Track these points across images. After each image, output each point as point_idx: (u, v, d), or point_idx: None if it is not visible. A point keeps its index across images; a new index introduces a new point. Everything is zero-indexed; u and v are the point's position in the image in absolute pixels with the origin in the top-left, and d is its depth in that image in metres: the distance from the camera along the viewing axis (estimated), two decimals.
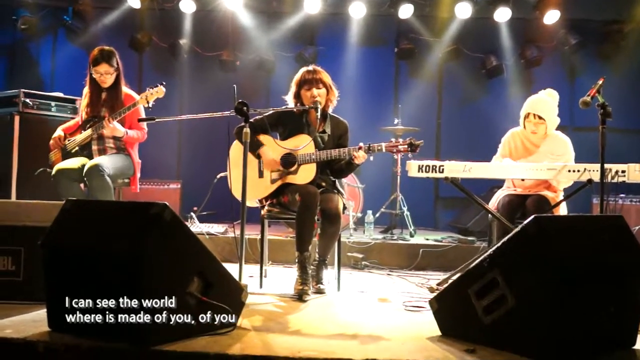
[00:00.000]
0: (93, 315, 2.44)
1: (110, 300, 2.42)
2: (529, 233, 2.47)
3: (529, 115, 4.41)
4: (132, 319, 2.37)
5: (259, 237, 4.27)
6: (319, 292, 3.86)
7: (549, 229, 2.47)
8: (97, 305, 2.44)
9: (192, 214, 5.89)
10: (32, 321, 2.74)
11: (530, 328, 2.42)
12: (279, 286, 4.06)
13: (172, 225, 2.50)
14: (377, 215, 6.30)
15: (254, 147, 3.94)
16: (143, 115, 4.60)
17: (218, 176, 5.19)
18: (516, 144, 4.57)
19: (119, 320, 2.39)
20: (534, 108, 4.41)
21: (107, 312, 2.42)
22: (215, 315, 2.59)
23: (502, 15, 7.07)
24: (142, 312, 2.36)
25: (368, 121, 6.80)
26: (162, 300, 2.41)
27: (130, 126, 4.66)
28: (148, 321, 2.36)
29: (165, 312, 2.42)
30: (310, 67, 4.08)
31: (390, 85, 7.97)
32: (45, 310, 2.65)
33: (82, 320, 2.43)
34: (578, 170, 4.02)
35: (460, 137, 7.55)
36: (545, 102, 4.42)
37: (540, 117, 4.36)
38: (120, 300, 2.40)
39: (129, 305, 2.38)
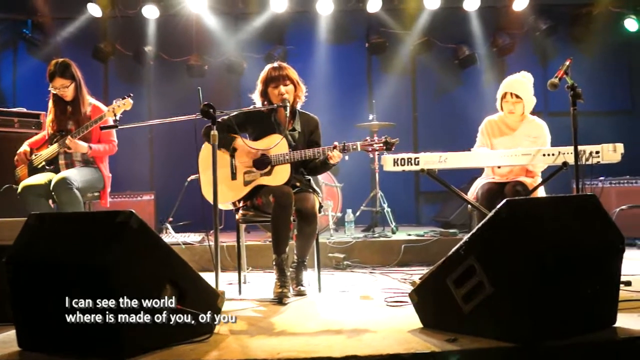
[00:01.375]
0: (62, 331, 2.43)
1: (79, 314, 2.41)
2: (501, 217, 2.50)
3: (506, 95, 4.51)
4: (103, 333, 2.36)
5: (236, 243, 4.26)
6: (300, 294, 3.87)
7: (520, 212, 2.50)
8: (67, 320, 2.43)
9: (167, 224, 5.87)
10: (2, 342, 2.71)
11: (508, 313, 2.44)
12: (258, 291, 4.06)
13: (140, 233, 2.49)
14: (358, 213, 6.32)
15: (227, 143, 3.94)
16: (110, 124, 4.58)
17: (189, 179, 5.18)
18: (493, 130, 4.64)
19: (89, 335, 2.38)
20: (510, 87, 4.51)
21: (76, 327, 2.41)
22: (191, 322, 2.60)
23: (472, 4, 7.15)
24: (112, 325, 2.35)
25: (342, 119, 6.84)
26: (133, 311, 2.41)
27: (99, 139, 4.64)
28: (120, 333, 2.36)
29: (138, 322, 2.42)
30: (276, 64, 4.08)
31: (363, 81, 8.01)
32: (14, 330, 2.62)
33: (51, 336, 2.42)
34: (552, 154, 4.08)
35: (438, 129, 7.61)
36: (521, 81, 4.53)
37: (517, 96, 4.46)
38: (89, 314, 2.39)
39: (99, 319, 2.37)
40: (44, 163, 4.62)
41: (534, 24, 7.48)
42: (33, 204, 4.37)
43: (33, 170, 4.61)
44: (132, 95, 4.58)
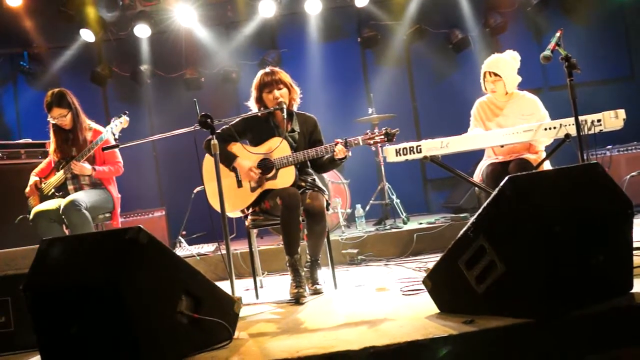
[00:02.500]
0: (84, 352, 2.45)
1: (101, 334, 2.44)
2: (505, 195, 2.49)
3: (486, 75, 4.54)
4: (124, 350, 2.39)
5: (248, 249, 4.27)
6: (316, 292, 3.87)
7: (524, 188, 2.49)
8: (88, 341, 2.45)
9: (180, 238, 5.90)
10: None
11: (522, 289, 2.44)
12: (275, 294, 4.08)
13: (150, 248, 2.51)
14: (367, 208, 6.34)
15: (228, 162, 3.97)
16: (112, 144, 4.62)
17: (195, 191, 5.21)
18: (486, 112, 4.65)
19: (111, 352, 2.40)
20: (488, 66, 4.54)
21: (97, 346, 2.44)
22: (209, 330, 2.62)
23: None
24: (132, 341, 2.38)
25: (342, 115, 6.85)
26: (152, 325, 2.44)
27: (102, 162, 4.68)
28: (139, 348, 2.38)
29: (156, 335, 2.44)
30: (268, 69, 4.10)
31: (359, 76, 8.01)
32: (39, 356, 2.65)
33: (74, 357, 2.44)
34: (554, 127, 4.07)
35: (439, 116, 7.59)
36: (500, 59, 4.53)
37: (495, 75, 4.47)
38: (111, 332, 2.41)
39: (119, 336, 2.40)
40: (53, 190, 4.67)
41: (524, 0, 7.46)
42: (46, 229, 4.42)
43: (44, 198, 4.67)
44: (127, 112, 4.63)
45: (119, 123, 4.56)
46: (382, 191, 6.33)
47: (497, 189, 2.55)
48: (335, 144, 3.85)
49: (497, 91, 4.52)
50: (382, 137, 3.86)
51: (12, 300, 3.15)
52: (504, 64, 4.50)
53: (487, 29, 7.67)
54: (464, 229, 2.67)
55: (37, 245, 2.81)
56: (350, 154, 3.94)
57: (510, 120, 4.47)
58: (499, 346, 2.40)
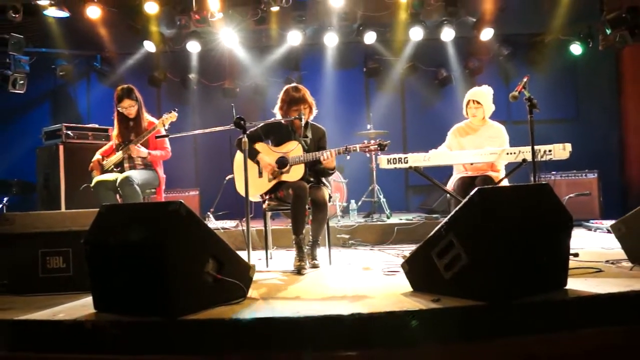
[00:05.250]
0: (128, 296, 2.45)
1: (142, 283, 2.44)
2: (474, 202, 2.49)
3: (469, 102, 4.57)
4: (159, 297, 2.38)
5: (263, 227, 4.27)
6: (314, 266, 3.86)
7: (489, 198, 2.49)
8: (131, 287, 2.45)
9: (209, 213, 5.89)
10: (81, 306, 2.74)
11: (481, 278, 2.43)
12: (282, 264, 4.06)
13: (188, 218, 2.50)
14: (359, 203, 6.32)
15: (252, 156, 3.95)
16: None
17: (227, 178, 5.19)
18: (460, 131, 4.69)
19: (149, 298, 2.40)
20: (472, 96, 4.61)
21: (139, 293, 2.43)
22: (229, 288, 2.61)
23: (448, 35, 7.08)
24: (166, 290, 2.37)
25: (346, 128, 6.82)
26: (184, 280, 2.43)
27: (155, 147, 4.68)
28: (173, 297, 2.37)
29: (186, 288, 2.44)
30: (294, 85, 4.09)
31: (362, 98, 7.97)
32: (91, 296, 2.65)
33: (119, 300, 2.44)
34: (514, 153, 4.06)
35: (422, 136, 7.44)
36: (480, 91, 4.62)
37: (478, 102, 4.51)
38: (150, 283, 2.41)
39: (158, 286, 2.39)
40: (112, 166, 4.66)
41: (497, 50, 7.43)
42: (103, 196, 4.41)
43: (104, 172, 4.65)
44: (177, 109, 4.62)
45: (169, 117, 4.54)
46: (372, 191, 6.32)
47: (467, 197, 2.54)
48: (337, 152, 3.88)
49: (477, 116, 4.56)
50: (376, 146, 3.85)
51: (73, 250, 3.15)
52: (484, 95, 4.55)
53: (466, 70, 7.65)
54: (438, 226, 2.65)
55: (97, 209, 2.81)
56: (348, 157, 3.94)
57: (480, 139, 4.51)
58: (459, 321, 2.39)
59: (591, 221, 5.83)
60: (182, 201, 2.50)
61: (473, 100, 4.55)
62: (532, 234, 2.53)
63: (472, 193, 2.51)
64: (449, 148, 4.65)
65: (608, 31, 6.50)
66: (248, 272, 2.85)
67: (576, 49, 7.22)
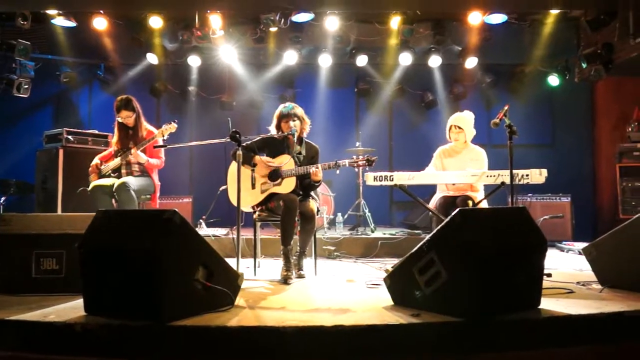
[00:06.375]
0: (119, 300, 2.40)
1: (133, 288, 2.39)
2: (455, 222, 2.48)
3: (452, 127, 4.58)
4: (151, 302, 2.33)
5: (253, 236, 4.23)
6: (300, 276, 3.83)
7: (470, 219, 2.48)
8: (123, 292, 2.40)
9: (201, 221, 5.83)
10: (72, 308, 2.68)
11: (459, 295, 2.42)
12: (269, 273, 4.02)
13: (181, 227, 2.47)
14: (345, 216, 6.30)
15: (248, 161, 3.92)
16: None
17: (220, 189, 5.14)
18: (444, 153, 4.71)
19: (140, 303, 2.35)
20: (454, 121, 4.63)
21: (130, 298, 2.38)
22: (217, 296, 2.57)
23: (435, 61, 7.14)
24: (157, 296, 2.32)
25: (336, 144, 6.81)
26: (175, 286, 2.39)
27: (151, 155, 4.63)
28: (163, 303, 2.33)
29: (176, 294, 2.39)
30: (288, 104, 4.08)
31: (352, 117, 7.97)
32: (82, 299, 2.59)
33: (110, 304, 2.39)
34: (494, 175, 4.07)
35: (407, 155, 7.51)
36: (462, 116, 4.64)
37: (459, 127, 4.53)
38: (141, 288, 2.36)
39: (149, 291, 2.34)
40: (110, 172, 4.60)
41: (481, 78, 7.49)
42: (99, 200, 4.35)
43: (102, 177, 4.60)
44: (176, 121, 4.58)
45: (169, 128, 4.50)
46: (358, 205, 6.29)
47: (449, 217, 2.53)
48: (328, 166, 3.84)
49: (459, 140, 4.59)
50: (364, 162, 3.85)
51: (67, 253, 3.09)
52: (465, 121, 4.57)
53: (451, 95, 7.68)
54: (420, 243, 2.64)
55: (93, 213, 2.76)
56: (338, 172, 3.93)
57: (462, 161, 4.54)
58: (437, 336, 2.37)
59: (564, 242, 5.86)
60: (177, 210, 2.46)
61: (455, 126, 4.58)
62: (509, 255, 2.52)
63: (453, 213, 2.50)
64: (434, 167, 4.67)
65: (584, 65, 6.60)
66: (236, 281, 2.81)
67: (554, 80, 7.31)
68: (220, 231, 5.58)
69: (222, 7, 6.10)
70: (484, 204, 4.38)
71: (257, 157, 3.96)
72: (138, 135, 4.60)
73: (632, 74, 6.65)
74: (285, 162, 3.91)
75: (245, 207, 4.06)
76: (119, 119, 4.56)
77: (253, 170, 3.94)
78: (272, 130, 4.08)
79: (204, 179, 7.37)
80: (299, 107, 4.07)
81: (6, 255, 3.12)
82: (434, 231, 2.61)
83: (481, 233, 2.45)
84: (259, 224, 4.16)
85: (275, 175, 3.94)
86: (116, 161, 4.59)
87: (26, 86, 6.50)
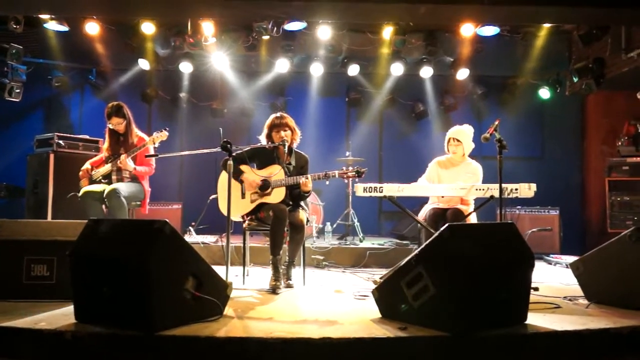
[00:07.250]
0: (109, 309, 2.41)
1: (123, 296, 2.40)
2: (444, 237, 2.52)
3: (450, 140, 4.63)
4: (140, 311, 2.35)
5: (242, 244, 4.25)
6: (289, 286, 3.85)
7: (458, 234, 2.53)
8: (113, 301, 2.42)
9: (190, 228, 5.83)
10: (62, 315, 2.69)
11: (446, 310, 2.45)
12: (258, 282, 4.04)
13: (171, 237, 2.50)
14: (334, 226, 6.33)
15: (236, 175, 3.95)
16: (152, 153, 4.59)
17: (210, 197, 5.17)
18: (441, 165, 4.76)
19: (129, 312, 2.37)
20: (454, 134, 4.66)
21: (120, 306, 2.40)
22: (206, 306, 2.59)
23: (426, 72, 7.22)
24: (147, 305, 2.34)
25: (326, 154, 6.85)
26: (164, 296, 2.41)
27: (141, 162, 4.64)
28: (153, 312, 2.35)
29: (166, 304, 2.41)
30: (278, 114, 4.10)
31: (342, 126, 8.01)
32: (72, 306, 2.61)
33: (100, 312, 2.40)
34: (483, 189, 4.13)
35: (397, 165, 7.57)
36: (461, 130, 4.67)
37: (458, 140, 4.57)
38: (131, 296, 2.38)
39: (139, 300, 2.36)
40: (100, 177, 4.61)
41: (472, 89, 7.57)
42: (89, 205, 4.36)
43: (92, 182, 4.61)
44: (167, 128, 4.60)
45: (160, 136, 4.52)
46: (347, 215, 6.34)
47: (438, 232, 2.58)
48: (318, 177, 3.89)
49: (457, 153, 4.63)
50: (354, 173, 3.90)
51: (57, 260, 3.10)
52: (464, 134, 4.62)
53: (442, 106, 7.74)
54: (409, 257, 2.68)
55: (84, 221, 2.78)
56: (327, 182, 3.97)
57: (458, 174, 4.60)
58: (424, 350, 2.41)
59: (551, 255, 5.93)
60: (167, 220, 2.49)
61: (454, 138, 4.63)
62: (496, 271, 2.57)
63: (442, 229, 2.54)
64: (428, 178, 4.71)
65: (575, 79, 6.72)
66: (225, 290, 2.83)
67: (545, 93, 7.41)
68: (209, 238, 5.59)
69: (215, 15, 6.14)
70: (473, 217, 4.44)
71: (246, 168, 3.99)
72: (129, 141, 4.62)
73: (623, 88, 6.75)
74: (276, 172, 3.94)
75: (235, 217, 4.09)
76: (110, 126, 4.58)
77: (242, 185, 3.97)
78: (263, 140, 4.11)
79: (193, 185, 7.37)
80: (289, 117, 4.10)
81: None
82: (423, 245, 2.65)
83: (469, 248, 2.50)
84: (248, 233, 4.19)
85: (264, 185, 3.97)
86: (107, 167, 4.60)
87: (18, 90, 6.49)
